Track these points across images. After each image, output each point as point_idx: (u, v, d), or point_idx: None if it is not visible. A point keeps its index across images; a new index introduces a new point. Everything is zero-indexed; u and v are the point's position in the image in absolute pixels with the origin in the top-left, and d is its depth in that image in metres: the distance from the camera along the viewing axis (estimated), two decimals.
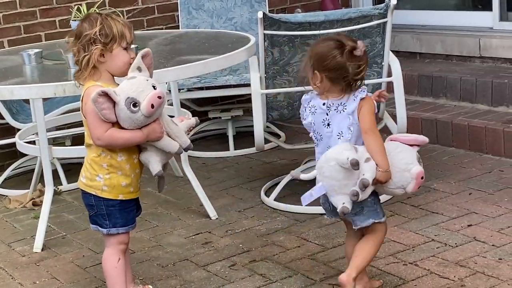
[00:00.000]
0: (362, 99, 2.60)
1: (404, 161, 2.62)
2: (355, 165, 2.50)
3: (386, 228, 2.74)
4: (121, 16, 3.68)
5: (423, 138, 2.71)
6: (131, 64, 2.58)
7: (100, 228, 2.69)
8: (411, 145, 2.68)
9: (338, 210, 2.59)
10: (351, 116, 2.61)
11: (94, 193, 2.65)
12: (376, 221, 2.68)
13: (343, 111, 2.62)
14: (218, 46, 3.82)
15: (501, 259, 3.00)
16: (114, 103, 2.50)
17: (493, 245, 3.12)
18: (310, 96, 2.72)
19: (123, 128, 2.56)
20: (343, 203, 2.57)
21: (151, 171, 2.64)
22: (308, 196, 2.68)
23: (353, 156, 2.51)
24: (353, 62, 2.57)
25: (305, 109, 2.72)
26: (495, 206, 3.51)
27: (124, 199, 2.67)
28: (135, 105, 2.50)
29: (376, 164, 2.57)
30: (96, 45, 2.54)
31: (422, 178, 2.63)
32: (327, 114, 2.64)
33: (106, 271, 2.72)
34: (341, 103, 2.62)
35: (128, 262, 2.84)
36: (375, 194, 2.68)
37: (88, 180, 2.65)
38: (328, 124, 2.65)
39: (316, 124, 2.68)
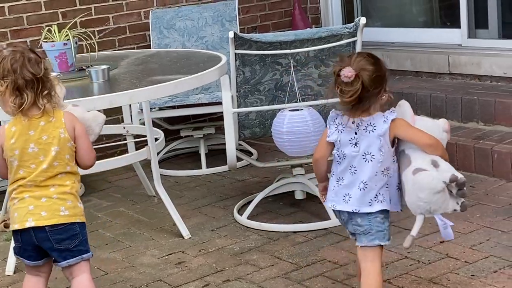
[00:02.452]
0: (393, 120, 2.55)
1: (436, 130, 2.62)
2: (455, 179, 2.47)
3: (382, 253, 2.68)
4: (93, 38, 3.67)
5: (409, 109, 2.65)
6: None
7: (85, 255, 2.59)
8: None
9: (457, 210, 2.53)
10: (382, 138, 2.55)
11: (79, 220, 2.57)
12: (382, 243, 2.63)
13: (373, 131, 2.56)
14: (189, 65, 3.81)
15: (473, 275, 3.01)
16: None
17: (465, 262, 3.13)
18: (336, 113, 2.65)
19: None
20: (457, 203, 2.52)
21: None
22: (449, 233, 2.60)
23: (445, 179, 2.47)
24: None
25: (330, 127, 2.65)
26: (467, 223, 3.53)
27: None
28: None
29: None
30: None
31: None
32: (356, 133, 2.58)
33: None
34: (370, 123, 2.56)
35: None
36: (385, 213, 2.65)
37: (71, 210, 2.55)
38: (356, 144, 2.59)
39: (342, 142, 2.62)
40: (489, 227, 3.46)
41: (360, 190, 2.58)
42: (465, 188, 2.51)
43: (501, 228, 3.43)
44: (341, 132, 2.61)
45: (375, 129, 2.56)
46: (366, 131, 2.57)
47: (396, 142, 2.62)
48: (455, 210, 2.54)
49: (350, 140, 2.59)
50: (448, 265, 3.11)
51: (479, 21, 5.03)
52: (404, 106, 2.67)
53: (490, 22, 5.00)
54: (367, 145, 2.57)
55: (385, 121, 2.55)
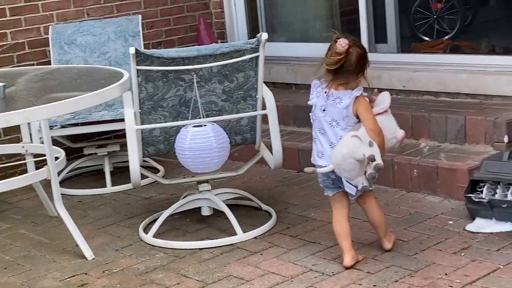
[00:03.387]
0: (357, 97, 3.09)
1: (390, 132, 3.19)
2: (373, 159, 3.04)
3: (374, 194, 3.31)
4: None
5: (389, 101, 3.21)
6: None
7: None
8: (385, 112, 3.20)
9: (359, 189, 3.14)
10: (346, 110, 3.10)
11: None
12: (371, 188, 3.21)
13: (339, 104, 3.11)
14: (90, 82, 3.75)
15: (375, 285, 3.06)
16: None
17: (368, 272, 3.19)
18: (320, 82, 3.20)
19: None
20: (363, 183, 3.11)
21: None
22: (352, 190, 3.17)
23: (368, 152, 3.04)
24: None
25: (313, 92, 3.21)
26: (369, 233, 3.59)
27: None
28: None
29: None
30: None
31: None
32: (325, 102, 3.14)
33: None
34: (338, 96, 3.12)
35: None
36: None
37: None
38: (324, 110, 3.16)
39: (316, 106, 3.19)
40: None
41: (331, 148, 3.15)
42: (376, 174, 3.09)
43: (402, 238, 3.51)
44: (318, 97, 3.19)
45: (341, 102, 3.11)
46: (334, 103, 3.13)
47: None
48: (357, 187, 3.12)
49: (321, 106, 3.17)
50: (351, 276, 3.16)
51: (378, 36, 5.17)
52: (384, 96, 3.23)
53: (389, 37, 5.15)
54: (334, 114, 3.14)
55: (350, 96, 3.10)
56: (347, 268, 3.21)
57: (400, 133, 3.22)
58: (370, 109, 3.14)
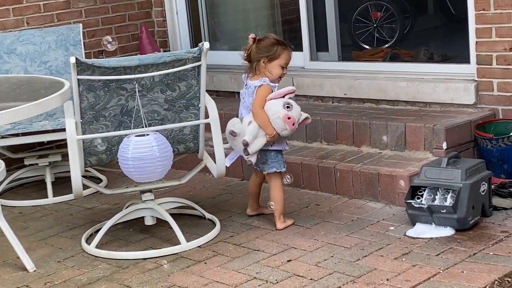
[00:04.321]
0: (260, 86, 3.66)
1: (273, 112, 3.62)
2: (232, 133, 3.66)
3: (282, 177, 3.77)
4: None
5: (289, 88, 3.69)
6: None
7: None
8: (283, 96, 3.66)
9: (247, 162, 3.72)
10: (251, 97, 3.69)
11: None
12: (278, 170, 3.74)
13: (249, 90, 3.71)
14: (30, 92, 3.68)
15: None
16: None
17: (311, 279, 3.20)
18: (245, 76, 3.79)
19: None
20: (245, 158, 3.68)
21: None
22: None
23: (231, 128, 3.65)
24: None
25: (242, 84, 3.81)
26: (312, 240, 3.62)
27: None
28: None
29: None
30: None
31: (289, 118, 3.61)
32: (244, 91, 3.76)
33: None
34: (250, 85, 3.71)
35: None
36: (278, 151, 3.74)
37: None
38: (243, 98, 3.77)
39: (241, 96, 3.82)
40: (333, 243, 3.56)
41: None
42: (246, 149, 3.63)
43: (344, 244, 3.54)
44: (244, 88, 3.77)
45: (249, 89, 3.70)
46: (247, 90, 3.73)
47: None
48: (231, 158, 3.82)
49: (242, 95, 3.77)
50: (295, 284, 3.17)
51: (320, 44, 5.22)
52: (283, 88, 3.69)
53: (330, 45, 5.20)
54: (248, 101, 3.71)
55: (255, 86, 3.67)
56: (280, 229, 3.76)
57: (281, 113, 3.61)
58: (261, 96, 3.65)
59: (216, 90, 5.51)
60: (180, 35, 5.91)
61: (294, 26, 5.37)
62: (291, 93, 3.68)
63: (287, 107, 3.63)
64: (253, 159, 3.68)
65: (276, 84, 3.74)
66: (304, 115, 3.71)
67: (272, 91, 3.68)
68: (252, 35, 3.75)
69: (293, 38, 5.54)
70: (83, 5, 5.49)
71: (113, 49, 3.99)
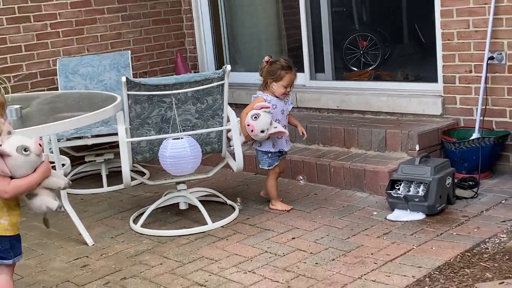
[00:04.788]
0: (257, 97, 3.74)
1: (246, 119, 3.62)
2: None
3: (273, 172, 3.79)
4: (7, 82, 3.50)
5: (262, 104, 3.63)
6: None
7: (4, 261, 2.47)
8: (260, 109, 3.60)
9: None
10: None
11: None
12: (264, 167, 3.81)
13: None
14: (90, 104, 3.68)
15: (317, 263, 3.08)
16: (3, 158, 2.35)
17: (311, 253, 3.20)
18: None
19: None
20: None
21: (52, 207, 2.47)
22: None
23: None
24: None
25: None
26: (311, 222, 3.61)
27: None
28: (26, 149, 2.36)
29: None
30: None
31: (248, 125, 3.60)
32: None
33: None
34: (256, 96, 3.75)
35: None
36: (264, 152, 3.76)
37: None
38: None
39: None
40: (328, 225, 3.56)
41: None
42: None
43: (337, 226, 3.53)
44: None
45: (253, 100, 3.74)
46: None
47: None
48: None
49: None
50: (298, 256, 3.17)
51: (317, 67, 5.20)
52: (260, 103, 3.64)
53: (326, 68, 5.18)
54: None
55: (254, 96, 3.76)
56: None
57: (247, 121, 3.61)
58: (251, 104, 3.66)
59: (235, 103, 5.49)
60: (207, 59, 5.92)
61: (297, 53, 5.36)
62: (266, 107, 3.62)
63: (254, 117, 3.59)
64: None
65: (272, 98, 3.70)
66: (278, 129, 3.63)
67: (264, 101, 3.69)
68: (266, 58, 3.75)
69: (296, 62, 5.50)
70: (131, 36, 5.51)
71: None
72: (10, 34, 4.82)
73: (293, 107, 4.07)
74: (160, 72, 5.70)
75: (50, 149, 4.36)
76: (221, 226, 3.67)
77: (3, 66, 4.72)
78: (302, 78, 5.18)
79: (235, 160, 3.84)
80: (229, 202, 4.03)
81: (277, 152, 3.80)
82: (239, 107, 5.46)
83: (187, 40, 5.92)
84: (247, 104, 5.43)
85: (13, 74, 4.82)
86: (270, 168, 3.79)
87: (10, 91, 3.79)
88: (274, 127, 3.63)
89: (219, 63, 5.93)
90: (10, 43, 4.82)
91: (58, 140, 4.35)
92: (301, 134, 3.88)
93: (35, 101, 3.92)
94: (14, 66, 4.84)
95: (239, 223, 3.70)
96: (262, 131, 3.60)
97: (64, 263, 3.36)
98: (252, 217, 3.79)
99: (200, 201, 3.83)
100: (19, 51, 4.87)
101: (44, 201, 2.47)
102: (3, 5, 4.77)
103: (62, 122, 3.13)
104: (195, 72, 5.75)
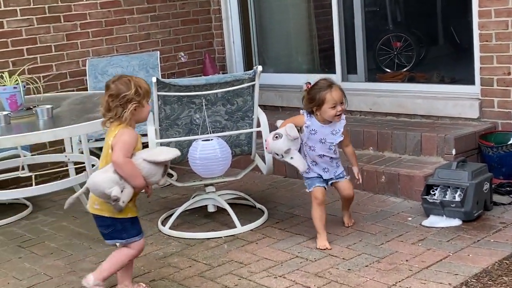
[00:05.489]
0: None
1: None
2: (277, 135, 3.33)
3: (314, 200, 3.37)
4: (39, 82, 3.56)
5: (288, 125, 3.28)
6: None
7: (119, 240, 2.82)
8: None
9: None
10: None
11: (106, 215, 2.78)
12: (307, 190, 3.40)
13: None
14: None
15: (350, 269, 3.06)
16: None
17: (343, 259, 3.18)
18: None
19: None
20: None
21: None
22: None
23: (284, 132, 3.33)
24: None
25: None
26: (344, 227, 3.59)
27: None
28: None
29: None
30: (132, 103, 2.70)
31: (265, 140, 3.40)
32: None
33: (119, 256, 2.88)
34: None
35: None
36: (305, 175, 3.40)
37: (101, 205, 2.77)
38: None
39: None
40: (361, 230, 3.53)
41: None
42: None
43: (370, 231, 3.51)
44: None
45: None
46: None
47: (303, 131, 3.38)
48: None
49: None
50: (330, 262, 3.15)
51: (350, 68, 5.18)
52: (287, 124, 3.33)
53: (358, 69, 5.16)
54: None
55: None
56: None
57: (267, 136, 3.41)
58: (292, 119, 3.38)
59: (264, 105, 5.50)
60: (235, 60, 5.93)
61: (329, 53, 5.35)
62: (291, 136, 3.27)
63: (276, 136, 3.27)
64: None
65: (314, 122, 3.34)
66: (293, 162, 3.28)
67: (304, 122, 3.35)
68: (305, 87, 3.35)
69: (328, 63, 5.52)
70: (160, 37, 5.56)
71: (185, 60, 3.99)
72: (41, 34, 4.90)
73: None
74: (188, 73, 5.73)
75: (79, 149, 4.43)
76: (250, 230, 3.67)
77: (34, 66, 4.80)
78: (334, 79, 5.14)
79: (264, 163, 3.84)
80: (258, 205, 4.03)
81: (316, 175, 3.39)
82: (267, 109, 5.49)
83: (216, 40, 5.94)
84: (276, 106, 5.50)
85: (43, 74, 4.90)
86: (309, 191, 3.38)
87: (42, 91, 3.86)
88: (291, 157, 3.27)
89: (248, 64, 5.94)
90: (40, 43, 4.90)
91: (88, 140, 4.40)
92: (356, 177, 3.50)
93: (66, 101, 3.98)
94: (44, 66, 4.92)
95: (268, 227, 3.70)
96: (277, 154, 3.32)
97: (93, 264, 3.39)
98: (282, 221, 3.78)
99: (228, 203, 3.83)
100: (49, 51, 4.94)
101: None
102: (34, 5, 4.85)
103: (93, 123, 3.18)
104: (223, 73, 5.77)
